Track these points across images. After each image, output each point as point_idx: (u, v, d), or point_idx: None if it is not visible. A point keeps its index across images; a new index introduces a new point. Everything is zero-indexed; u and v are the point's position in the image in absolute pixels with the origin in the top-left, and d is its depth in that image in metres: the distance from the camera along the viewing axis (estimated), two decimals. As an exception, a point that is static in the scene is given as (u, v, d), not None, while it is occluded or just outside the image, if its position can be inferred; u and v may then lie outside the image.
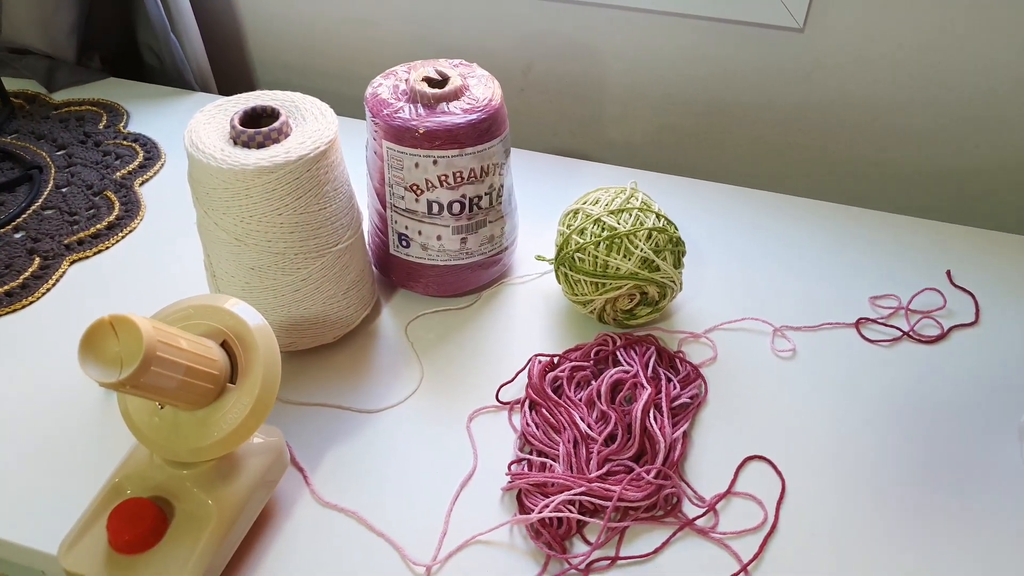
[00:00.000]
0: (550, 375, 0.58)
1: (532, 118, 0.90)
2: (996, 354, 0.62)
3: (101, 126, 0.85)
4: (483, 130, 0.58)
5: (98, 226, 0.72)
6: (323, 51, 0.94)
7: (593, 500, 0.50)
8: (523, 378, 0.59)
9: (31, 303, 0.66)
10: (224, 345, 0.46)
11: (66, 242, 0.71)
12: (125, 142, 0.83)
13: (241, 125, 0.54)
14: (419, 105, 0.58)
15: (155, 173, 0.80)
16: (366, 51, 0.92)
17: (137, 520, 0.44)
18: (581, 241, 0.60)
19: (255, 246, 0.54)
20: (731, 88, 0.81)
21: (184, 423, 0.45)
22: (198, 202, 0.55)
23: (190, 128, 0.55)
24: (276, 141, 0.54)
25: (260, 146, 0.53)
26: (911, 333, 0.63)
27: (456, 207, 0.60)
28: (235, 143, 0.54)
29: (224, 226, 0.54)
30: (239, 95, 0.58)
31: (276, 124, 0.54)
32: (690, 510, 0.52)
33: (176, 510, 0.46)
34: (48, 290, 0.67)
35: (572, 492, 0.50)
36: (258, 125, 0.56)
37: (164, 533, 0.45)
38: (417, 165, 0.58)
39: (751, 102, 0.81)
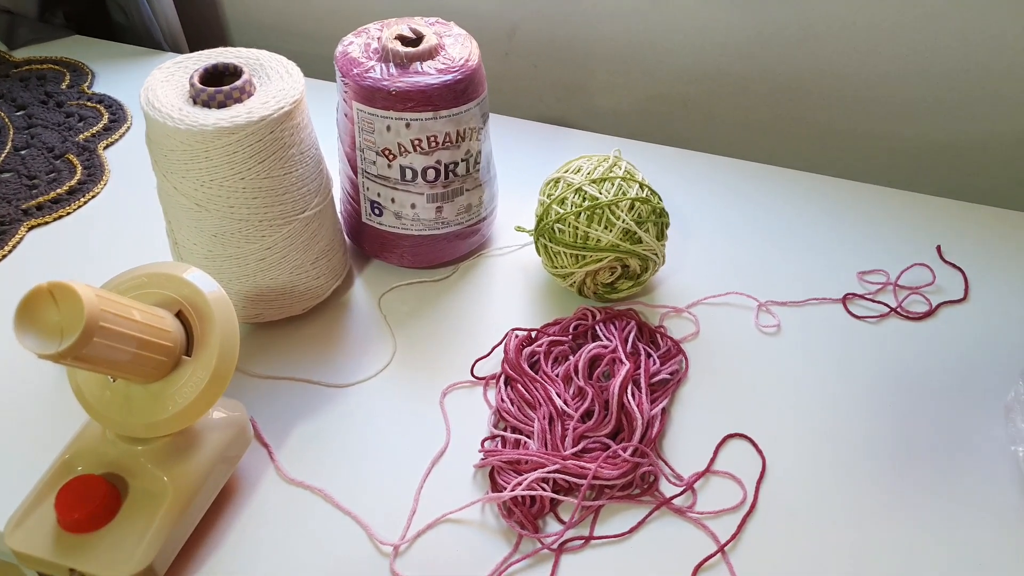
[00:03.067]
0: (527, 350, 0.56)
1: (516, 84, 0.87)
2: (984, 331, 0.60)
3: (64, 86, 0.81)
4: (459, 92, 0.55)
5: (59, 191, 0.69)
6: (300, 10, 0.90)
7: (568, 478, 0.49)
8: (499, 353, 0.57)
9: (-14, 270, 0.63)
10: (179, 315, 0.44)
11: (24, 207, 0.68)
12: (89, 103, 0.79)
13: (202, 83, 0.52)
14: (391, 64, 0.55)
15: (120, 136, 0.76)
16: (345, 10, 0.89)
17: (87, 498, 0.42)
18: (561, 211, 0.58)
19: (216, 212, 0.52)
20: (722, 56, 0.78)
21: (137, 397, 0.43)
22: (157, 165, 0.53)
23: (147, 86, 0.52)
24: (238, 100, 0.51)
25: (221, 105, 0.50)
26: (899, 309, 0.62)
27: (431, 174, 0.58)
28: (195, 102, 0.51)
29: (184, 191, 0.51)
30: (201, 52, 0.55)
31: (238, 83, 0.51)
32: (667, 489, 0.50)
33: (130, 487, 0.44)
34: (3, 257, 0.64)
35: (546, 470, 0.49)
36: (220, 84, 0.53)
37: (117, 511, 0.43)
38: (389, 128, 0.56)
39: (742, 71, 0.79)
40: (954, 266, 0.65)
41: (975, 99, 0.74)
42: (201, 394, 0.42)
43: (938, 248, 0.67)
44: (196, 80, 0.51)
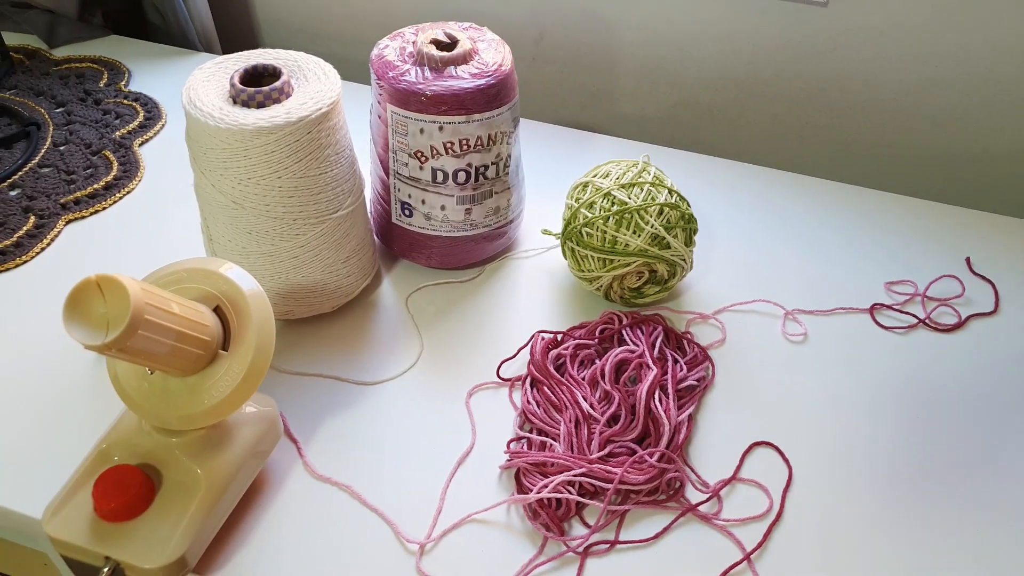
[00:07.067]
0: (553, 352, 0.57)
1: (542, 89, 0.88)
2: (1015, 345, 0.60)
3: (102, 84, 0.83)
4: (491, 96, 0.56)
5: (95, 186, 0.71)
6: (331, 13, 0.92)
7: (593, 482, 0.49)
8: (525, 355, 0.58)
9: (24, 262, 0.64)
10: (217, 310, 0.44)
11: (62, 201, 0.69)
12: (126, 101, 0.81)
13: (242, 84, 0.53)
14: (426, 68, 0.56)
15: (155, 133, 0.78)
16: (376, 14, 0.90)
17: (123, 488, 0.43)
18: (589, 215, 0.58)
19: (253, 210, 0.52)
20: (750, 63, 0.78)
21: (174, 390, 0.43)
22: (195, 163, 0.54)
23: (188, 85, 0.53)
24: (277, 101, 0.52)
25: (260, 106, 0.51)
26: (927, 321, 0.61)
27: (461, 176, 0.58)
28: (234, 102, 0.52)
29: (221, 188, 0.52)
30: (240, 53, 0.56)
31: (277, 84, 0.52)
32: (693, 495, 0.50)
33: (164, 478, 0.45)
34: (42, 249, 0.65)
35: (572, 473, 0.49)
36: (259, 84, 0.54)
37: (151, 502, 0.44)
38: (422, 131, 0.56)
39: (770, 78, 0.79)
40: (984, 278, 0.65)
41: (1005, 109, 0.73)
42: (236, 389, 0.43)
43: (967, 260, 0.67)
44: (236, 80, 0.52)
